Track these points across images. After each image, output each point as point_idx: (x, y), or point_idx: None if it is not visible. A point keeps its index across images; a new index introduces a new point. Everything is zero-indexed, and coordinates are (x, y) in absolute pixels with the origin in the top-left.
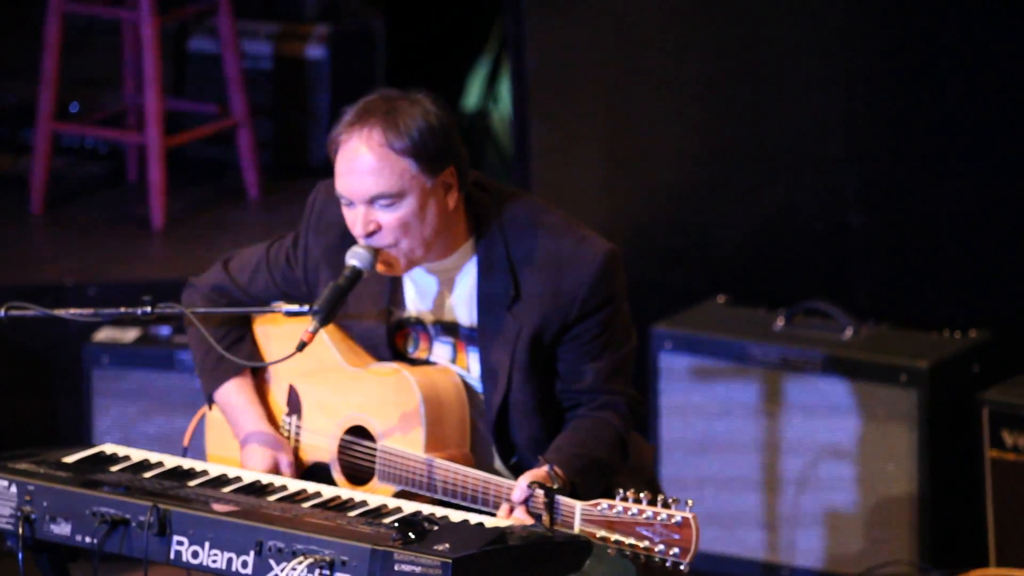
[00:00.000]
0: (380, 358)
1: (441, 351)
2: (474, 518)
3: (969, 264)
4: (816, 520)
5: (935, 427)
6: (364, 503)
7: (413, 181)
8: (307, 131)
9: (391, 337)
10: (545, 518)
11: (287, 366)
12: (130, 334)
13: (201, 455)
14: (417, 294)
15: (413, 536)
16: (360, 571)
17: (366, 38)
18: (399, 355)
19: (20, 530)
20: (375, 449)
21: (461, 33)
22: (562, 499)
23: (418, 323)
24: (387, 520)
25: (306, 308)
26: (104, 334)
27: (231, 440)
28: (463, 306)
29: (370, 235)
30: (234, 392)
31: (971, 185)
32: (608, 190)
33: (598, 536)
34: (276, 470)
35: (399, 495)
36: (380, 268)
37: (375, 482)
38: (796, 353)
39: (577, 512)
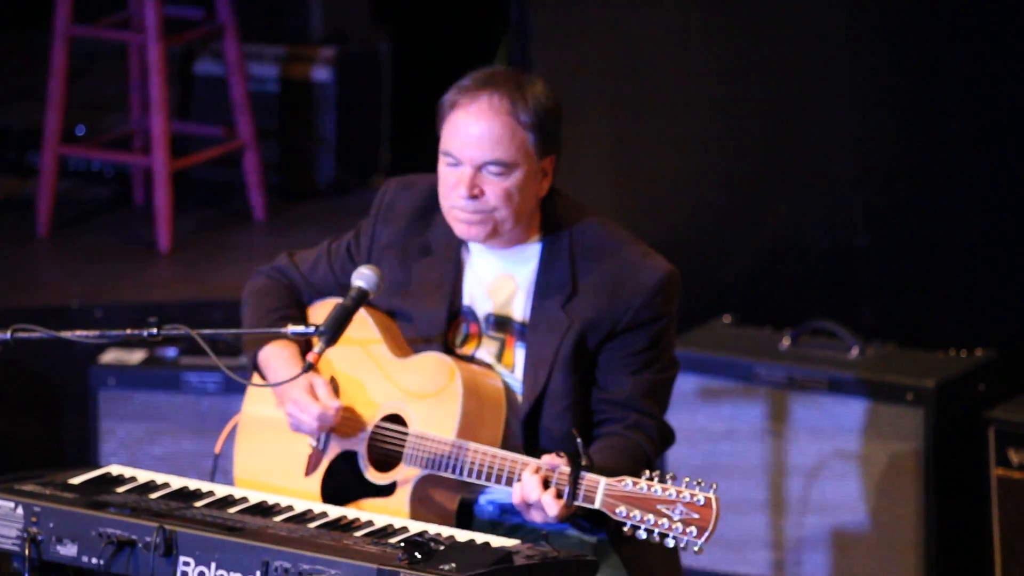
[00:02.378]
0: (431, 345)
1: (488, 346)
2: (480, 537)
3: (975, 284)
4: (822, 539)
5: (941, 446)
6: (370, 523)
7: (526, 156)
8: (313, 153)
9: (447, 325)
10: (567, 491)
11: (332, 355)
12: (136, 356)
13: (230, 464)
14: (476, 283)
15: (419, 556)
16: None
17: (372, 60)
18: (447, 344)
19: (27, 551)
20: (407, 434)
21: (467, 56)
22: (587, 474)
23: (471, 314)
24: (393, 540)
25: (312, 329)
26: (110, 356)
27: (261, 448)
28: (520, 299)
29: (473, 198)
30: (277, 348)
31: (977, 205)
32: (614, 211)
33: (617, 511)
34: (312, 388)
35: (424, 479)
36: (463, 229)
37: (401, 466)
38: (802, 373)
39: (601, 487)
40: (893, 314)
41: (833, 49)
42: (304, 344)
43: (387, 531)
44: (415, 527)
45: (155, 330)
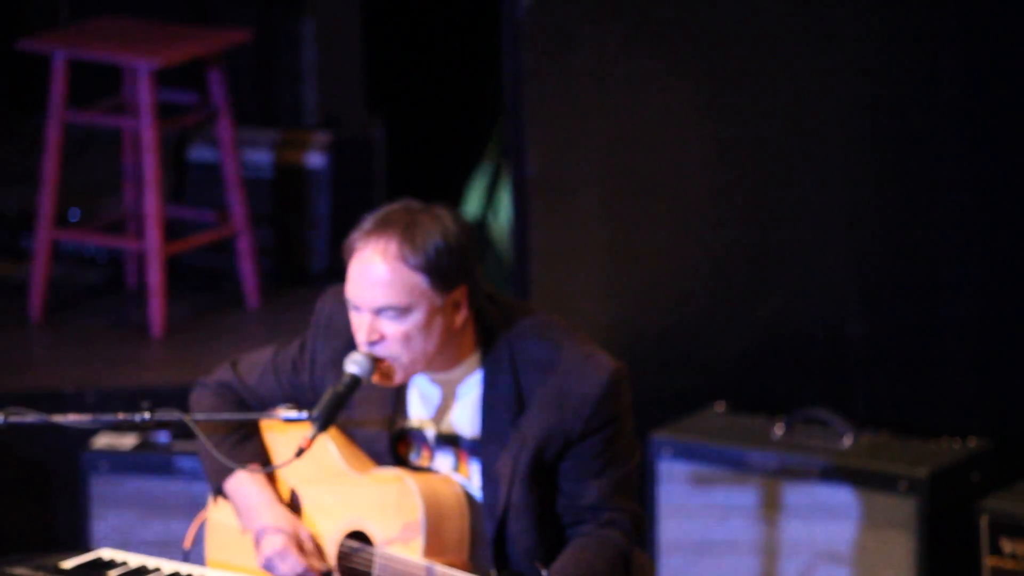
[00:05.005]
0: (382, 465)
1: (443, 461)
2: None
3: (969, 372)
4: None
5: (935, 535)
6: None
7: (422, 297)
8: (307, 239)
9: (393, 445)
10: None
11: (290, 469)
12: (128, 440)
13: (202, 559)
14: (421, 403)
15: None
16: None
17: (366, 146)
18: (401, 462)
19: None
20: (374, 553)
21: (462, 142)
22: None
23: (420, 433)
24: None
25: (304, 415)
26: (103, 440)
27: (232, 544)
28: (466, 418)
29: (373, 343)
30: (246, 481)
31: (971, 293)
32: (608, 297)
33: None
34: (299, 544)
35: None
36: (376, 379)
37: None
38: (795, 461)
39: None
40: (886, 402)
41: (828, 130)
42: (270, 476)
43: None
44: None
45: (147, 415)
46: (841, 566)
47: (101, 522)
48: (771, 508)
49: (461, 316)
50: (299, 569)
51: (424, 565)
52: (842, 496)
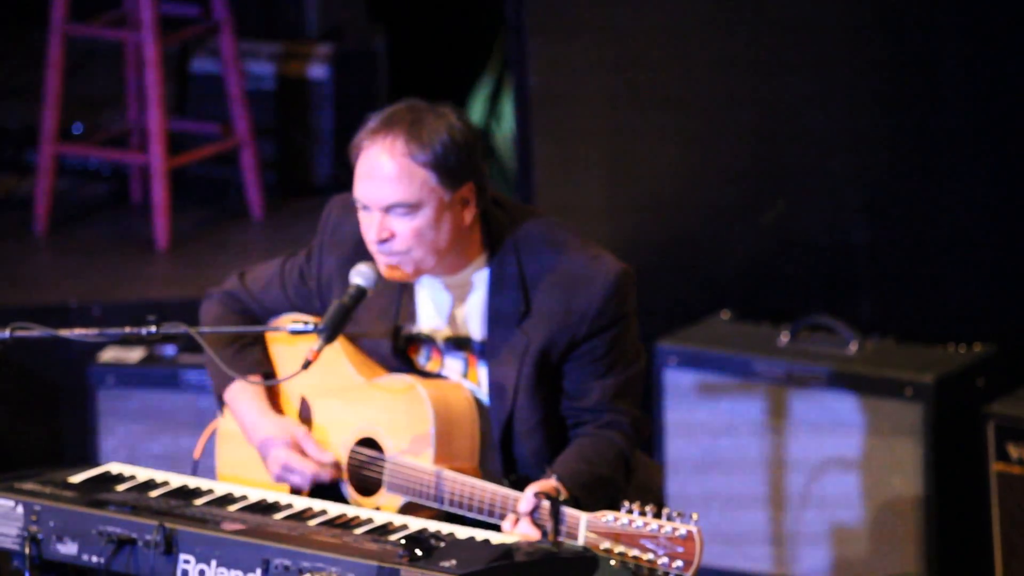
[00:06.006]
0: (391, 371)
1: (453, 365)
2: (480, 534)
3: (974, 278)
4: (822, 534)
5: (940, 441)
6: (370, 520)
7: (431, 193)
8: (310, 150)
9: (398, 352)
10: (550, 528)
11: (300, 378)
12: (135, 354)
13: (212, 469)
14: (431, 308)
15: (420, 553)
16: None
17: (368, 57)
18: (411, 368)
19: (27, 550)
20: (384, 460)
21: (464, 52)
22: (567, 510)
23: (429, 339)
24: (393, 537)
25: (311, 327)
26: (109, 354)
27: (242, 454)
28: (475, 320)
29: (383, 241)
30: (239, 390)
31: (975, 200)
32: (611, 206)
33: (602, 547)
34: (297, 445)
35: (406, 506)
36: (387, 272)
37: (383, 492)
38: (801, 368)
39: (582, 523)
40: (892, 309)
41: (831, 42)
42: (268, 388)
43: (387, 528)
44: (415, 524)
45: (154, 328)
46: (848, 472)
47: (109, 436)
48: (777, 415)
49: (470, 213)
50: (309, 476)
51: (433, 471)
52: (848, 403)
